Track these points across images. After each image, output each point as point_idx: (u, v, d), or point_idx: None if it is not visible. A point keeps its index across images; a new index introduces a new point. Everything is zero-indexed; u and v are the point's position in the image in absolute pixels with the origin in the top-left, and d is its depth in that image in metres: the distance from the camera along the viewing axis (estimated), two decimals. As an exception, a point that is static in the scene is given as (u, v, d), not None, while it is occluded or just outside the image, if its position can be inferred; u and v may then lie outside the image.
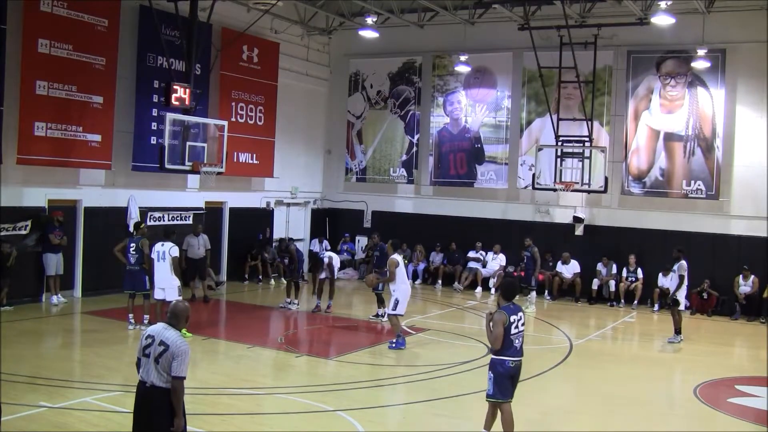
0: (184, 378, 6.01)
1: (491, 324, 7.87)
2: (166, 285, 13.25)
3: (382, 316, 15.35)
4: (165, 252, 13.27)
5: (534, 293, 18.08)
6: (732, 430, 9.59)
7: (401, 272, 13.45)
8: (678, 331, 14.87)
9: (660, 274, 18.38)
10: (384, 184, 23.42)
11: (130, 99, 17.34)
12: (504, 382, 7.97)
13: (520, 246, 20.83)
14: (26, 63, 14.98)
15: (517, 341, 7.89)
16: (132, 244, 13.79)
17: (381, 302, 15.54)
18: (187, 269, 16.79)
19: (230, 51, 19.31)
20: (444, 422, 9.15)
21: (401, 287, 13.31)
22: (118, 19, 16.74)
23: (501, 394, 8.01)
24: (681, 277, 14.62)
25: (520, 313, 7.99)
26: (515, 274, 20.05)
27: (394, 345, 13.08)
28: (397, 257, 13.57)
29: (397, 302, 13.20)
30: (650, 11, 17.96)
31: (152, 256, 13.41)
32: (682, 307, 14.96)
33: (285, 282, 17.81)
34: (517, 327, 7.88)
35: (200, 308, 15.98)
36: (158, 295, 13.33)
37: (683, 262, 14.68)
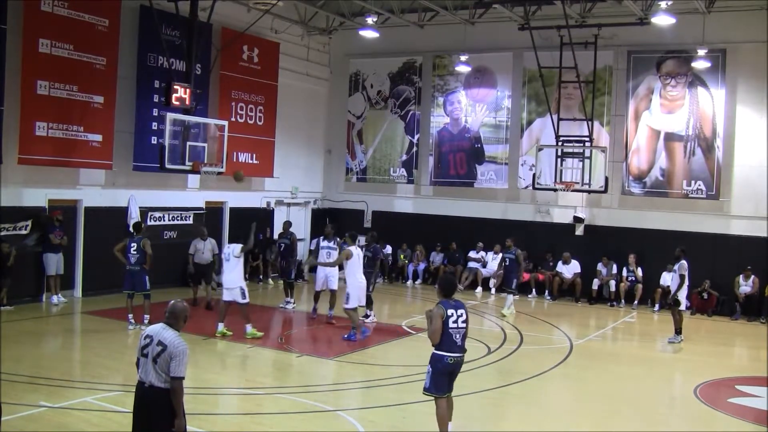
0: (183, 378, 6.00)
1: (430, 318, 7.96)
2: (231, 286, 13.38)
3: (366, 317, 15.51)
4: (230, 253, 13.46)
5: (511, 297, 17.28)
6: (732, 430, 9.59)
7: (354, 265, 13.62)
8: (678, 331, 14.86)
9: (664, 273, 18.43)
10: (384, 184, 23.43)
11: (130, 99, 17.35)
12: (441, 378, 8.03)
13: (519, 247, 20.87)
14: (27, 63, 14.99)
15: (456, 336, 7.93)
16: (133, 244, 13.78)
17: (370, 303, 15.48)
18: (194, 274, 16.45)
19: (230, 51, 19.32)
20: (444, 422, 9.14)
21: (352, 281, 13.56)
22: (118, 19, 16.75)
23: (436, 390, 8.06)
24: (681, 277, 14.62)
25: (461, 310, 8.00)
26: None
27: (346, 336, 13.56)
28: (354, 250, 13.74)
29: (348, 296, 13.49)
30: (650, 11, 17.96)
31: (222, 256, 13.74)
32: (683, 307, 14.95)
33: (282, 282, 17.51)
34: (456, 322, 7.91)
35: (200, 311, 15.61)
36: (226, 296, 13.48)
37: (684, 262, 14.66)
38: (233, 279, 13.42)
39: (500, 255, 20.78)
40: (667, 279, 18.64)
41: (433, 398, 8.12)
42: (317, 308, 15.93)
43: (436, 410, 8.08)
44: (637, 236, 19.59)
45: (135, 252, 13.69)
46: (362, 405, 9.79)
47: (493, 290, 20.60)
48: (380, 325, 15.41)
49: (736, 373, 12.68)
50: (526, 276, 20.53)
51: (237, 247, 13.51)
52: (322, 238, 15.86)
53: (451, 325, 7.89)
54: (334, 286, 15.35)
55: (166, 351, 5.95)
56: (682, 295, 14.78)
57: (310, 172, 23.75)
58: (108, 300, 16.04)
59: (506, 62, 21.61)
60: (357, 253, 13.81)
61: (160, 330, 6.11)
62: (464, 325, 7.99)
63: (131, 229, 16.78)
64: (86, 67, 16.05)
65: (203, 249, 16.40)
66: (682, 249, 14.99)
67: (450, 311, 7.91)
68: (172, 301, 6.26)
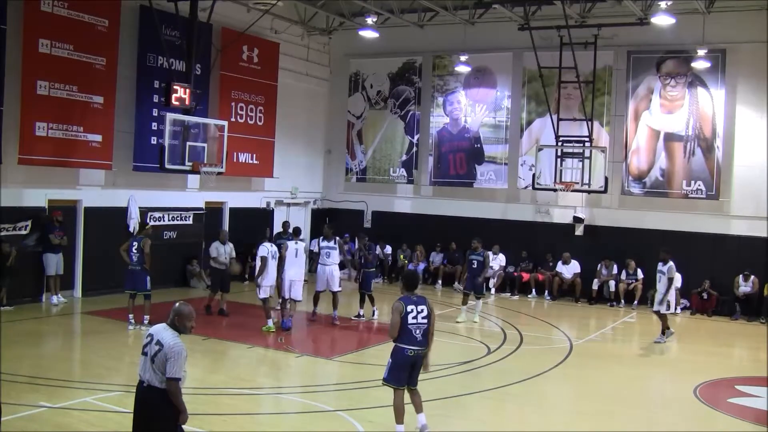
0: (179, 380, 5.99)
1: (392, 312, 8.25)
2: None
3: (363, 316, 15.69)
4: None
5: (480, 302, 16.29)
6: (732, 430, 9.59)
7: (288, 258, 14.16)
8: (666, 328, 14.80)
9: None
10: (384, 184, 23.43)
11: (130, 99, 17.35)
12: (400, 369, 8.21)
13: (518, 247, 20.91)
14: (27, 63, 14.99)
15: (416, 331, 8.14)
16: (134, 243, 13.83)
17: (372, 301, 15.68)
18: (212, 280, 15.86)
19: (230, 51, 19.32)
20: (444, 422, 9.13)
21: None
22: (118, 19, 16.75)
23: (395, 381, 8.24)
24: (671, 280, 14.45)
25: (422, 307, 8.22)
26: (509, 274, 20.02)
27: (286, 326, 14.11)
28: (291, 245, 14.27)
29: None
30: (650, 11, 17.96)
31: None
32: (673, 309, 14.77)
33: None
34: (416, 318, 8.14)
35: (208, 316, 15.24)
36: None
37: (672, 264, 14.52)
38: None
39: (500, 255, 20.90)
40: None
41: (393, 389, 8.26)
42: (316, 310, 15.66)
43: (393, 400, 8.25)
44: (637, 236, 19.58)
45: (136, 251, 13.74)
46: (362, 405, 9.78)
47: (492, 290, 20.60)
48: (381, 325, 15.40)
49: (736, 373, 12.69)
50: (525, 276, 20.56)
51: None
52: (321, 238, 15.51)
53: (410, 321, 8.13)
54: (335, 287, 15.21)
55: (162, 351, 5.96)
56: (672, 299, 14.62)
57: (310, 172, 23.75)
58: (108, 300, 16.04)
59: (506, 62, 21.61)
60: (295, 248, 14.31)
61: (160, 330, 6.13)
62: (424, 321, 8.19)
63: (131, 229, 16.86)
64: (86, 67, 16.04)
65: (225, 253, 15.63)
66: (667, 250, 14.85)
67: (410, 307, 8.17)
68: (178, 303, 6.26)
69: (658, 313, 14.78)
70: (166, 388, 5.95)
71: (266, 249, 13.96)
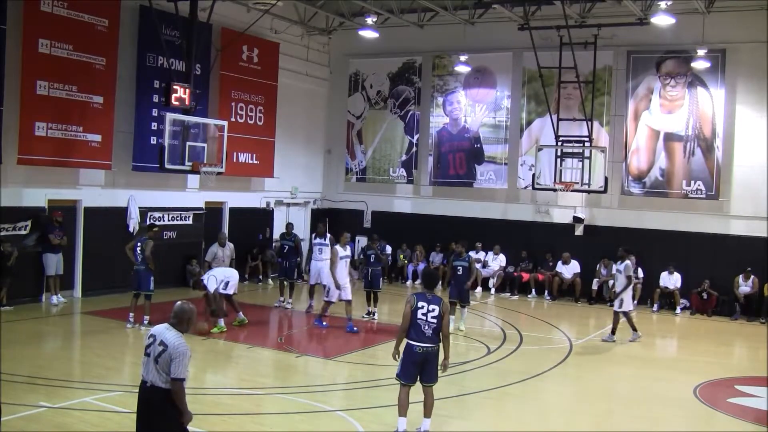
0: (183, 380, 5.99)
1: (405, 304, 8.43)
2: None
3: (373, 315, 15.90)
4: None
5: (466, 310, 15.16)
6: (732, 430, 9.59)
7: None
8: (613, 332, 14.73)
9: (666, 273, 18.58)
10: (384, 184, 23.44)
11: (130, 99, 17.35)
12: (409, 366, 8.31)
13: (518, 247, 20.89)
14: (27, 63, 14.99)
15: (425, 328, 8.26)
16: (139, 244, 13.92)
17: (376, 300, 16.02)
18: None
19: (230, 51, 19.31)
20: (444, 422, 9.14)
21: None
22: (118, 19, 16.75)
23: (404, 377, 8.35)
24: (628, 278, 14.35)
25: (434, 306, 8.30)
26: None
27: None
28: (340, 250, 14.63)
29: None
30: (650, 11, 17.96)
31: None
32: (630, 308, 14.67)
33: (278, 281, 17.40)
34: (425, 315, 8.26)
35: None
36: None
37: (628, 262, 14.46)
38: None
39: (500, 255, 20.91)
40: (666, 280, 18.70)
41: (400, 384, 8.36)
42: (312, 303, 16.30)
43: (398, 394, 8.35)
44: (637, 236, 19.54)
45: (140, 252, 13.84)
46: (362, 405, 9.79)
47: (492, 290, 20.62)
48: (381, 325, 15.42)
49: (736, 373, 12.69)
50: (525, 276, 20.56)
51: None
52: (314, 235, 16.45)
53: (418, 316, 8.26)
54: (327, 280, 15.36)
55: (166, 351, 5.95)
56: (628, 297, 14.50)
57: (309, 172, 23.75)
58: (108, 300, 16.05)
59: (506, 62, 21.61)
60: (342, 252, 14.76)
61: (163, 330, 6.12)
62: (434, 320, 8.27)
63: (130, 228, 16.84)
64: (86, 67, 16.04)
65: (223, 256, 15.17)
66: (626, 249, 14.81)
67: (421, 303, 8.31)
68: (179, 302, 6.24)
69: (616, 312, 14.65)
70: (170, 388, 5.95)
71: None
